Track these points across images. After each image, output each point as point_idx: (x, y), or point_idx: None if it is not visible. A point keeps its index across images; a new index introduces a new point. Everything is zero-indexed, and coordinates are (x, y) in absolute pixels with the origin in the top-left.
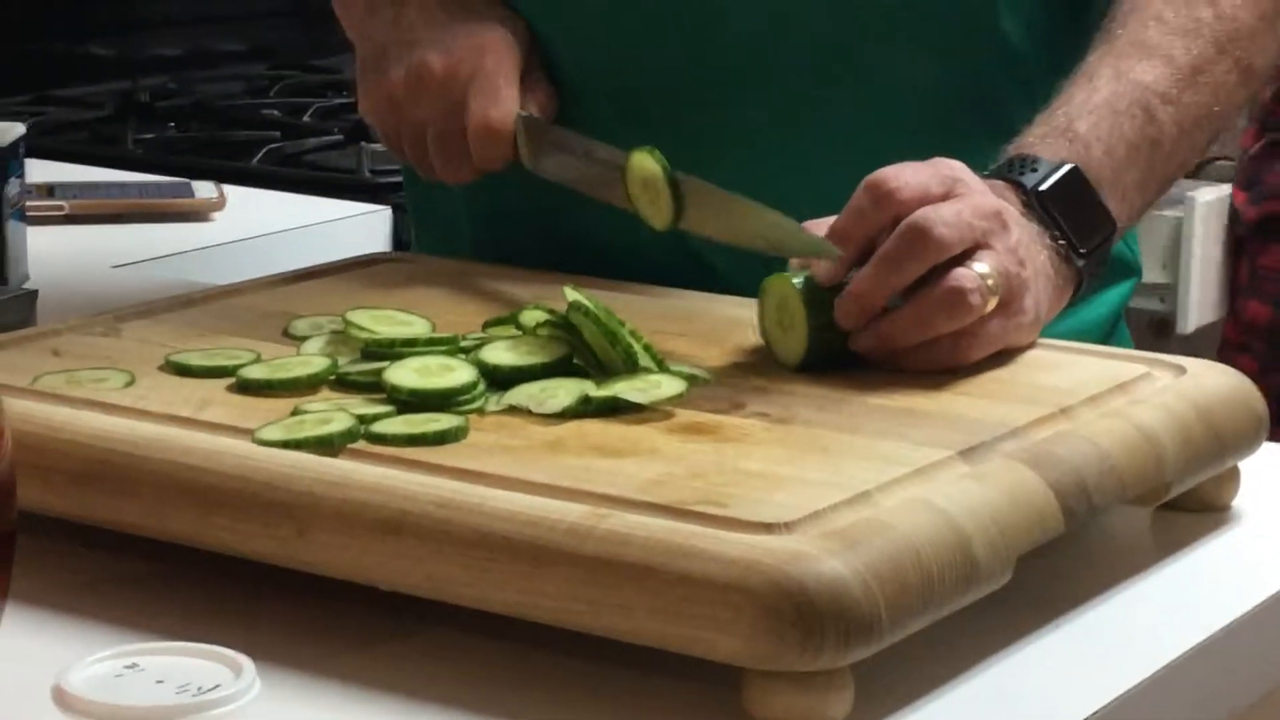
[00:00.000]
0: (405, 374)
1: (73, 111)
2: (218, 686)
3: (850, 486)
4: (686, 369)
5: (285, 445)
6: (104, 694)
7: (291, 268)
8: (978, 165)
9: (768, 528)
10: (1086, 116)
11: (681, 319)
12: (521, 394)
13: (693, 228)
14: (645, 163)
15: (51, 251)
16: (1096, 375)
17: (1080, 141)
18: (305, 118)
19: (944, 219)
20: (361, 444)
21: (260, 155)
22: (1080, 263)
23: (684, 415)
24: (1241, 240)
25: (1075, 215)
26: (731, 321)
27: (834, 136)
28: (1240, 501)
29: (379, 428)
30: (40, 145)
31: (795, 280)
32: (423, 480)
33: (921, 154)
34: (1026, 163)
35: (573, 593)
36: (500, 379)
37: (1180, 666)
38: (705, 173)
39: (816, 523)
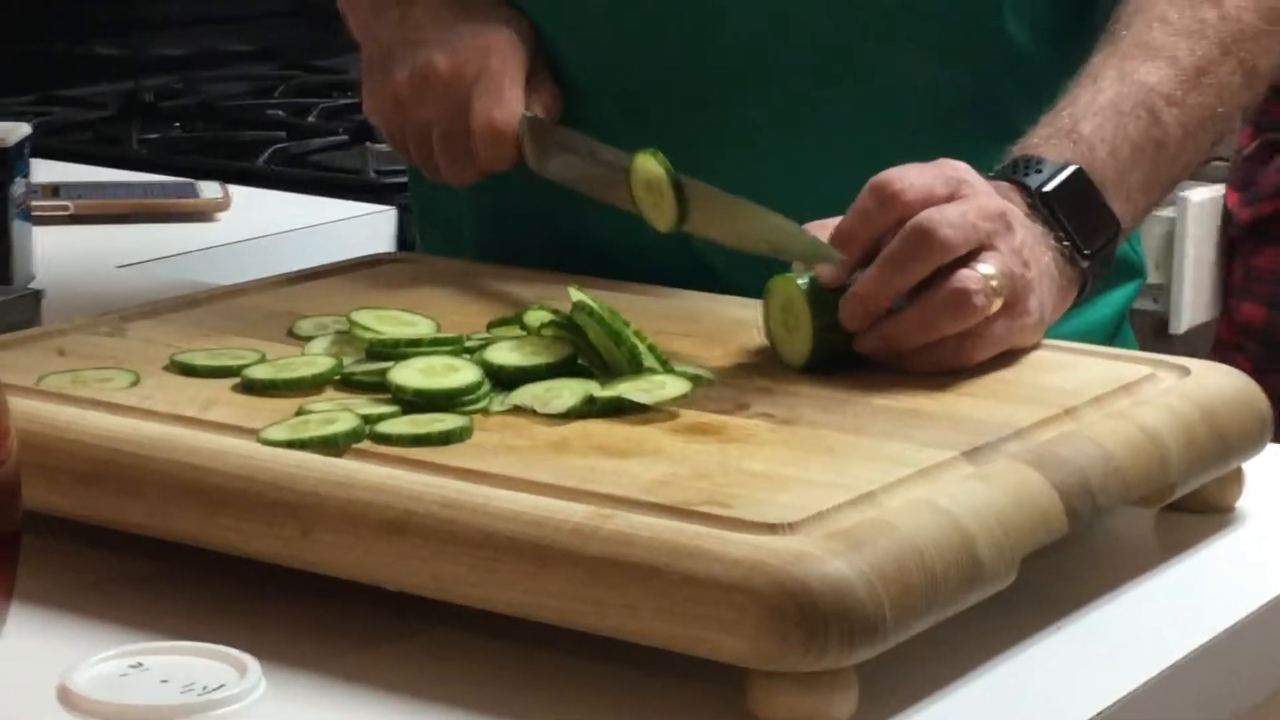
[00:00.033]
0: (410, 374)
1: (78, 111)
2: (222, 686)
3: (855, 487)
4: (691, 369)
5: (290, 445)
6: (109, 693)
7: (296, 268)
8: (980, 166)
9: (772, 528)
10: (1091, 118)
11: (685, 319)
12: (526, 394)
13: (696, 230)
14: (649, 165)
15: (57, 251)
16: (1101, 376)
17: (1085, 143)
18: (310, 118)
19: (949, 220)
20: (366, 444)
21: (265, 155)
22: (1084, 264)
23: (688, 416)
24: (1234, 242)
25: (1080, 216)
26: (735, 322)
27: (834, 137)
28: (1244, 503)
29: (384, 428)
30: (45, 145)
31: (800, 281)
32: (428, 480)
33: (923, 154)
34: (1031, 164)
35: (577, 593)
36: (505, 379)
37: (1184, 667)
38: (706, 173)
39: (821, 523)
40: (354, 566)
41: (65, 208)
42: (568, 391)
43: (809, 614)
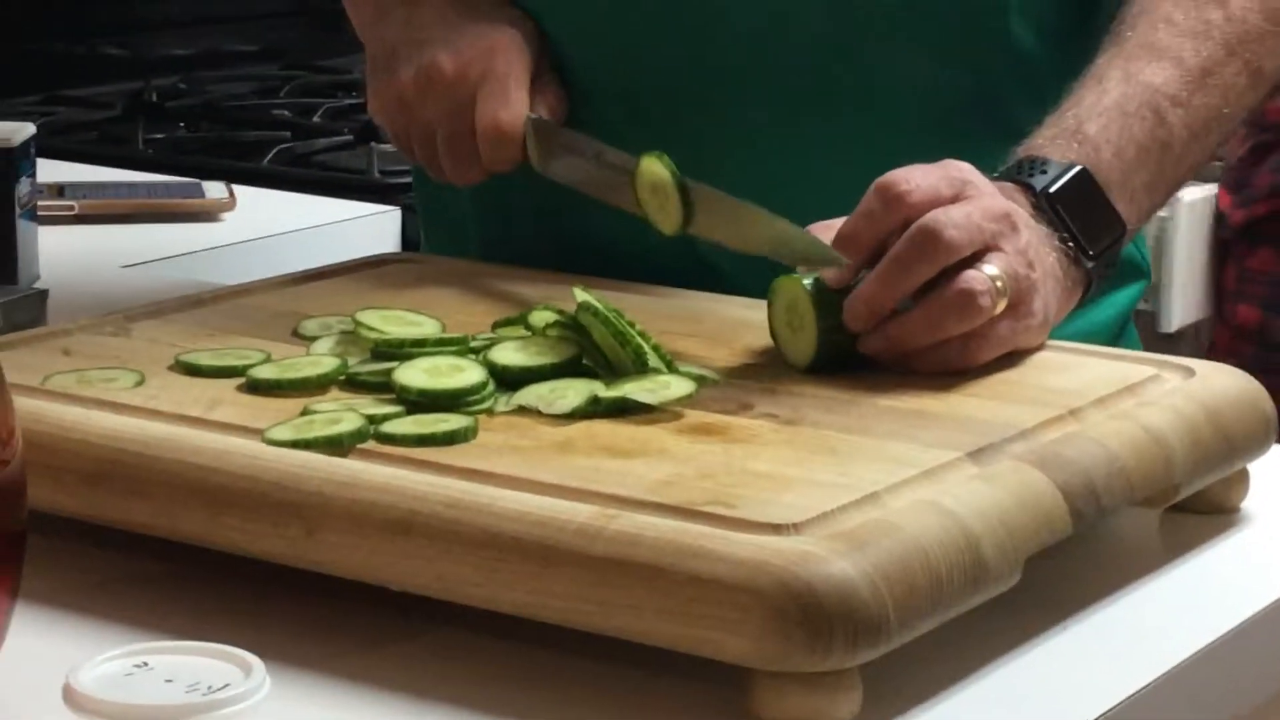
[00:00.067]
0: (415, 374)
1: (83, 111)
2: (227, 686)
3: (859, 488)
4: (695, 370)
5: (295, 445)
6: (114, 693)
7: (301, 268)
8: (982, 167)
9: (776, 529)
10: (1096, 118)
11: (689, 319)
12: (531, 394)
13: (701, 233)
14: (654, 168)
15: (62, 251)
16: (1105, 377)
17: (1090, 143)
18: (315, 118)
19: (954, 221)
20: (371, 444)
21: (270, 155)
22: (1089, 264)
23: (693, 416)
24: (1227, 244)
25: (1084, 217)
26: (740, 322)
27: (835, 136)
28: (1249, 503)
29: (388, 428)
30: (50, 145)
31: (805, 282)
32: (432, 480)
33: (924, 155)
34: (1036, 164)
35: (582, 593)
36: (509, 379)
37: (1189, 668)
38: (707, 172)
39: (825, 524)
40: (359, 566)
41: (70, 208)
42: (572, 392)
43: (813, 614)
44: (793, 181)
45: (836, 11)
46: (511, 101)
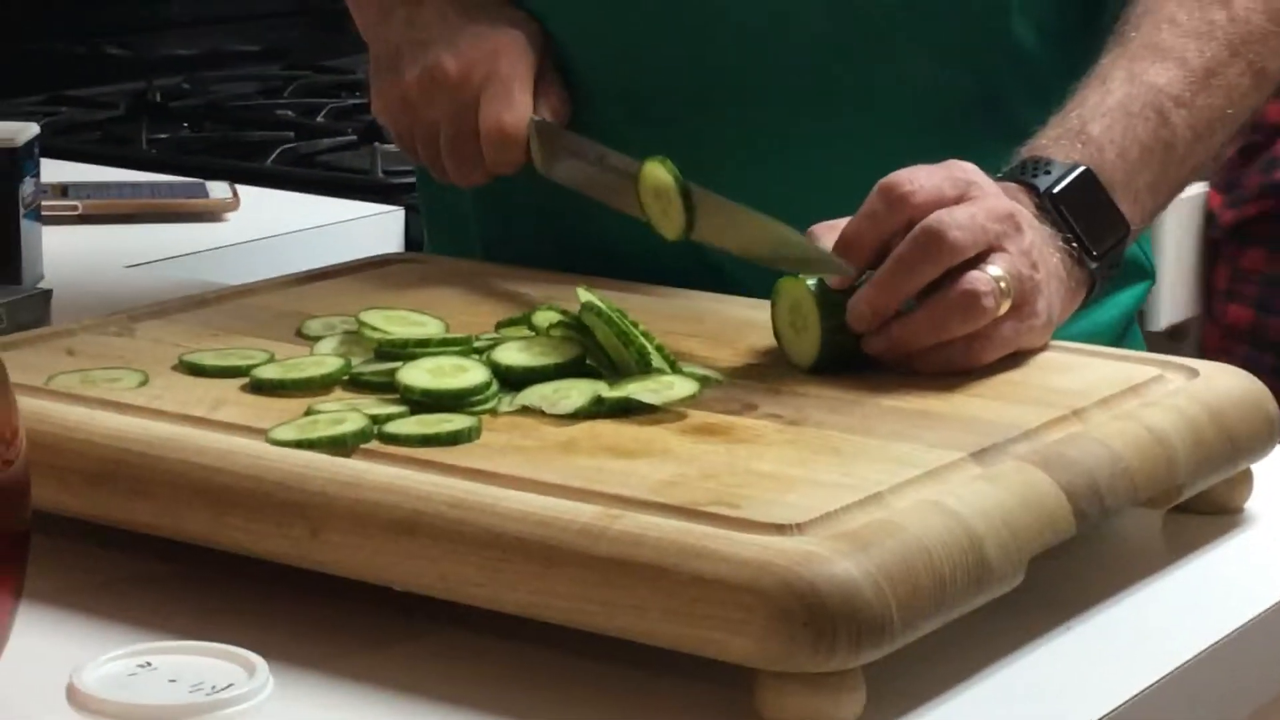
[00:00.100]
0: (418, 374)
1: (86, 111)
2: (231, 686)
3: (862, 488)
4: (699, 370)
5: (298, 445)
6: (117, 693)
7: (305, 268)
8: (984, 167)
9: (780, 529)
10: (1100, 119)
11: (693, 320)
12: (534, 395)
13: (704, 239)
14: (657, 173)
15: (65, 251)
16: (1109, 377)
17: (1093, 144)
18: (319, 118)
19: (958, 222)
20: (374, 444)
21: (274, 156)
22: (1093, 265)
23: (696, 416)
24: (1217, 244)
25: (1088, 218)
26: (743, 322)
27: (835, 136)
28: (1253, 504)
29: (392, 428)
30: (54, 145)
31: (809, 282)
32: (436, 481)
33: (926, 155)
34: (1039, 165)
35: (585, 593)
36: (513, 379)
37: (1192, 669)
38: (707, 172)
39: (828, 524)
40: (362, 566)
41: (74, 208)
42: (576, 392)
43: (817, 615)
44: (793, 181)
45: (836, 11)
46: (515, 104)
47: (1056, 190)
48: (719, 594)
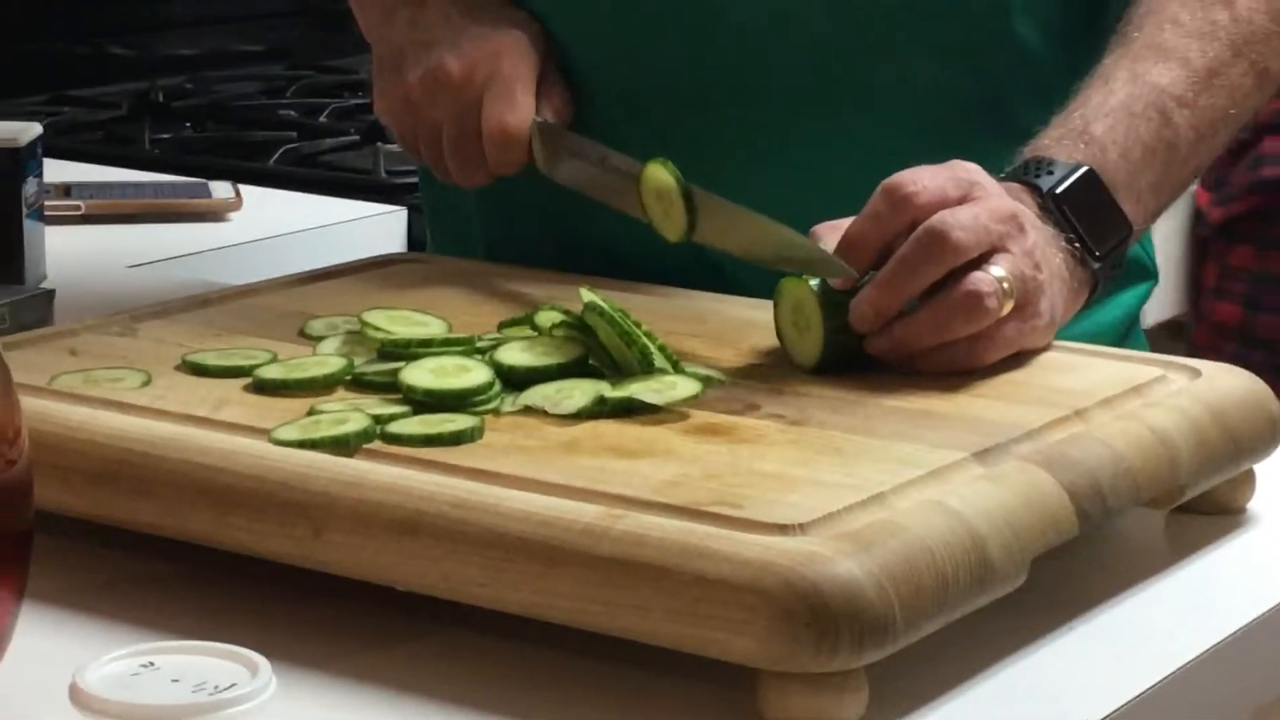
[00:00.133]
0: (421, 374)
1: (89, 111)
2: (234, 685)
3: (865, 488)
4: (701, 370)
5: (301, 445)
6: (120, 693)
7: (307, 268)
8: (986, 167)
9: (782, 529)
10: (1102, 119)
11: (695, 320)
12: (537, 395)
13: (705, 240)
14: (659, 174)
15: (68, 251)
16: (1111, 378)
17: (1096, 144)
18: (322, 118)
19: (961, 223)
20: (377, 444)
21: (277, 155)
22: (1095, 265)
23: (699, 416)
24: (1205, 242)
25: (1091, 218)
26: (745, 322)
27: (836, 137)
28: (1255, 504)
29: (395, 428)
30: (57, 145)
31: (812, 283)
32: (438, 480)
33: (927, 155)
34: (1042, 165)
35: (588, 593)
36: (516, 380)
37: (1194, 669)
38: (708, 172)
39: (831, 524)
40: (365, 566)
41: (77, 207)
42: (578, 392)
43: (819, 615)
44: (793, 182)
45: (836, 11)
46: (518, 104)
47: (1059, 190)
48: (721, 594)
